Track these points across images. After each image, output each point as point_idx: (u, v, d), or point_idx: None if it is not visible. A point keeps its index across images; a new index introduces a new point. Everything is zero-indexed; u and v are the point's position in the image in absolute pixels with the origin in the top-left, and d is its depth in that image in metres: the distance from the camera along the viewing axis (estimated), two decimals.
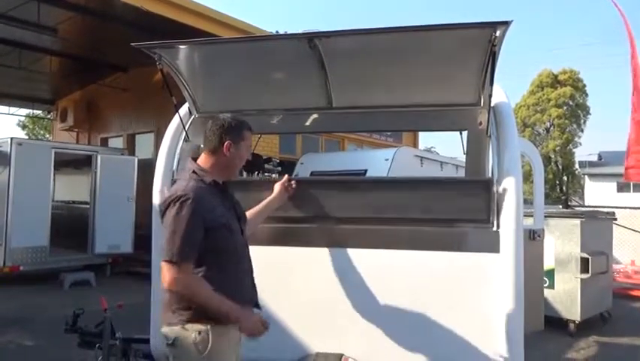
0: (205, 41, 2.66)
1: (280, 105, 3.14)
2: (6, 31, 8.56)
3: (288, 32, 2.46)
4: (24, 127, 29.21)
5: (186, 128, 3.11)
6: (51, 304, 6.92)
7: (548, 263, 5.58)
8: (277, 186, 2.71)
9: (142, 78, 9.92)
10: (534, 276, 3.88)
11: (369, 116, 3.20)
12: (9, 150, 7.86)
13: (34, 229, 8.10)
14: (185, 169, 2.23)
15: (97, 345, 3.52)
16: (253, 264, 2.31)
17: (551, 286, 5.79)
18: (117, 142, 12.38)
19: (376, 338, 2.65)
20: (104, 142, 12.78)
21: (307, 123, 3.19)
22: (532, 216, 4.70)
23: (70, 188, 10.59)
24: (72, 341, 3.58)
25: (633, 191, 25.55)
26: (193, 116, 3.22)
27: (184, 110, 3.22)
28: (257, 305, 2.30)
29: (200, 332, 2.01)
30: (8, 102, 14.67)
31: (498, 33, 2.25)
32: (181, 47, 2.70)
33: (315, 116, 3.17)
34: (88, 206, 9.09)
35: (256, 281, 2.33)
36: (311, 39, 2.45)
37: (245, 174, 3.43)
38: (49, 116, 16.44)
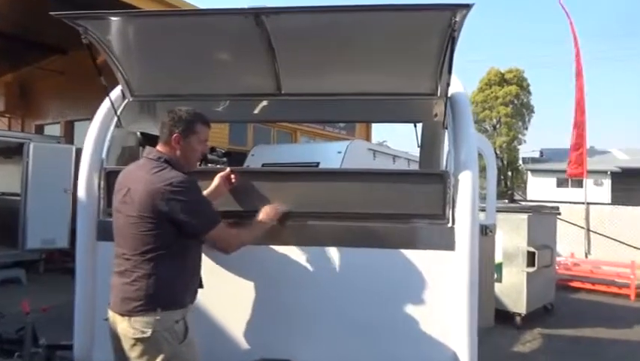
0: (139, 13, 2.35)
1: (224, 90, 2.86)
2: None
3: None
4: None
5: (118, 113, 2.80)
6: None
7: (497, 257, 5.63)
8: (217, 179, 2.48)
9: (82, 61, 9.18)
10: (486, 272, 3.85)
11: (321, 105, 3.00)
12: None
13: None
14: (150, 157, 2.15)
15: (16, 354, 3.21)
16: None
17: (499, 279, 5.85)
18: (54, 129, 11.55)
19: (325, 341, 2.49)
20: (39, 129, 11.91)
21: (254, 111, 2.95)
22: (484, 211, 4.69)
23: (0, 179, 9.77)
24: None
25: (571, 186, 26.89)
26: (127, 100, 2.91)
27: (117, 92, 2.91)
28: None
29: (177, 322, 2.02)
30: None
31: (458, 17, 2.11)
32: (110, 18, 2.38)
33: (262, 103, 2.93)
34: (19, 198, 8.40)
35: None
36: (258, 15, 2.21)
37: None
38: None
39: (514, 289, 5.85)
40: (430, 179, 2.56)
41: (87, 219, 2.63)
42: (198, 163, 3.35)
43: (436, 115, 3.08)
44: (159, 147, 2.19)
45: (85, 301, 2.63)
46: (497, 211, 5.78)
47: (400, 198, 2.49)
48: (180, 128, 2.15)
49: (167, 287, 2.03)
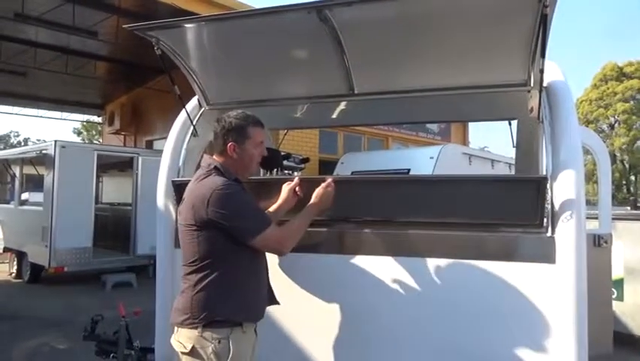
0: (205, 18, 2.34)
1: (295, 93, 2.76)
2: (51, 37, 8.74)
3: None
4: (79, 133, 30.55)
5: (194, 123, 2.84)
6: (91, 306, 6.93)
7: (616, 272, 4.93)
8: (285, 189, 2.32)
9: (185, 79, 9.85)
10: (600, 289, 3.32)
11: (397, 104, 2.77)
12: (53, 153, 8.01)
13: (78, 231, 8.17)
14: (203, 166, 2.09)
15: (112, 354, 3.37)
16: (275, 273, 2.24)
17: (620, 298, 5.11)
18: (162, 144, 12.49)
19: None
20: (149, 144, 12.97)
21: (326, 114, 2.81)
22: (596, 218, 4.11)
23: (116, 190, 10.75)
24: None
25: None
26: (203, 109, 2.94)
27: (193, 102, 2.96)
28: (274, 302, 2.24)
29: (220, 341, 1.90)
30: (60, 108, 15.25)
31: None
32: (182, 27, 2.39)
33: (334, 105, 2.78)
34: (130, 208, 9.15)
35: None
36: (320, 10, 2.07)
37: (262, 172, 3.10)
38: (99, 120, 17.00)
39: (638, 308, 5.06)
40: (524, 181, 2.22)
41: (165, 228, 2.70)
42: (275, 171, 3.32)
43: (531, 110, 2.71)
44: (215, 157, 2.09)
45: (165, 308, 2.67)
46: (615, 219, 5.08)
47: (488, 204, 2.18)
48: (234, 135, 2.04)
49: (211, 302, 1.93)
